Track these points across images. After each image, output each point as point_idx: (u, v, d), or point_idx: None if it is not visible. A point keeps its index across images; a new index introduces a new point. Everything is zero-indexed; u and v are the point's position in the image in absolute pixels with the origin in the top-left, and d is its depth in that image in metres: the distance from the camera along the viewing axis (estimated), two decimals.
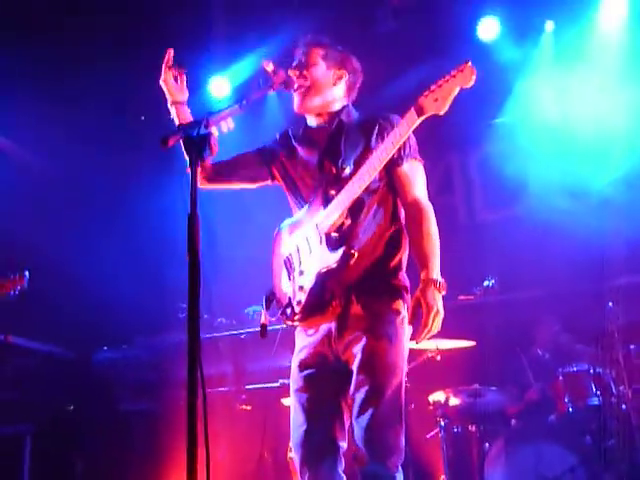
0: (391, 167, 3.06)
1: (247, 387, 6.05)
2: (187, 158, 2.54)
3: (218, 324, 6.44)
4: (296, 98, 3.19)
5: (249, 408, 6.14)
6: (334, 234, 3.00)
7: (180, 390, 6.46)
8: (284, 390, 5.77)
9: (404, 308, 3.03)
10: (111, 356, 7.00)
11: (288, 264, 3.17)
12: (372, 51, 6.74)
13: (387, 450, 2.89)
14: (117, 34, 6.58)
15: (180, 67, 3.22)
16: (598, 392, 5.17)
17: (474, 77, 2.76)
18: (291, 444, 3.09)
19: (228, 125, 2.79)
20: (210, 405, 2.28)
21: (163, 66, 3.24)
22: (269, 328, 3.20)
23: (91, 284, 6.57)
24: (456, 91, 2.79)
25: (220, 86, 7.17)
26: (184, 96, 3.27)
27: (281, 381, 5.75)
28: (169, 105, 3.27)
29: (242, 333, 6.19)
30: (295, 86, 3.15)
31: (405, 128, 2.87)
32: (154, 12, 6.52)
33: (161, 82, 3.25)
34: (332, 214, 2.99)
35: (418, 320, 2.88)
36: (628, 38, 6.34)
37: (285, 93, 3.14)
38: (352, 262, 2.94)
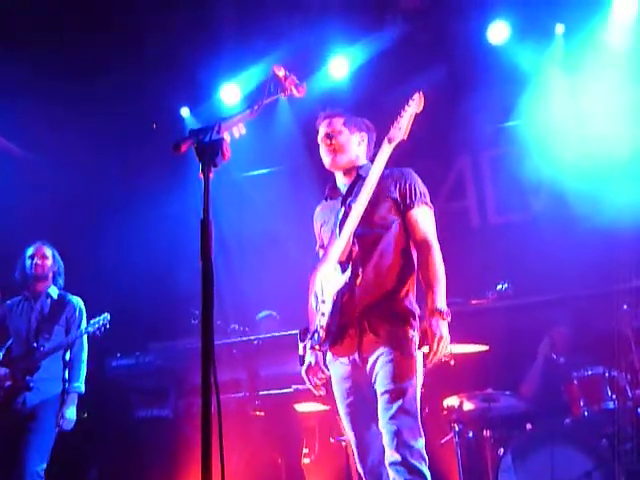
0: (403, 210, 3.48)
1: (260, 393, 6.04)
2: (200, 164, 2.55)
3: (231, 330, 6.43)
4: (327, 158, 3.62)
5: (262, 414, 6.14)
6: (345, 261, 3.34)
7: (194, 396, 6.53)
8: (297, 396, 5.78)
9: (413, 329, 3.37)
10: (124, 363, 7.01)
11: (316, 298, 3.52)
12: (381, 54, 6.76)
13: (408, 447, 3.19)
14: (129, 42, 6.61)
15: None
16: (613, 396, 5.14)
17: (422, 103, 3.43)
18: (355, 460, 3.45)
19: (240, 130, 2.81)
20: (224, 411, 2.29)
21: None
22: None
23: (104, 291, 6.59)
24: (412, 117, 3.42)
25: (231, 92, 7.21)
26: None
27: (294, 387, 5.75)
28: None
29: (255, 339, 6.18)
30: (327, 150, 3.61)
31: (383, 155, 3.41)
32: (166, 20, 6.55)
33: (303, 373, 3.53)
34: (342, 243, 3.38)
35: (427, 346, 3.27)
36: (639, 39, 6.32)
37: (296, 98, 3.16)
38: (359, 282, 3.31)
